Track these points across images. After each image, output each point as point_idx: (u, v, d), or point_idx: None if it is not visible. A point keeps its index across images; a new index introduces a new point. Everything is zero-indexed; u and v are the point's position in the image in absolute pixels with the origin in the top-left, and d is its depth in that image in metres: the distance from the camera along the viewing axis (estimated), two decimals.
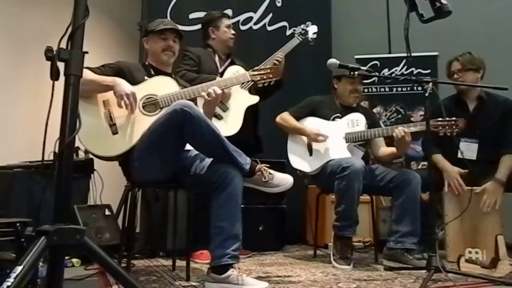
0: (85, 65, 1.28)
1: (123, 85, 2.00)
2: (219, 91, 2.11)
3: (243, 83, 2.40)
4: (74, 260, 2.42)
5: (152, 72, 2.26)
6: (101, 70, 2.10)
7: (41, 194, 1.93)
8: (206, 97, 2.09)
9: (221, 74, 2.86)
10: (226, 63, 2.97)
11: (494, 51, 3.54)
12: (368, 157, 2.91)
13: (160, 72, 2.28)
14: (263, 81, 2.24)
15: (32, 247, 1.10)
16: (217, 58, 2.95)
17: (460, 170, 2.64)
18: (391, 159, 2.75)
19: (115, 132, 1.98)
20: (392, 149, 2.69)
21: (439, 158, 2.72)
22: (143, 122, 1.98)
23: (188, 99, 2.06)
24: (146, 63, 2.34)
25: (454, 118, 2.41)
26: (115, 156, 1.98)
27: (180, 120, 1.79)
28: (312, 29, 3.03)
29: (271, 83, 2.31)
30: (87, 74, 1.97)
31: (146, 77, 2.18)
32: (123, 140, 1.96)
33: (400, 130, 2.50)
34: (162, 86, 2.12)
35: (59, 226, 1.15)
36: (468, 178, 2.62)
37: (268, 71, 2.24)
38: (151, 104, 2.06)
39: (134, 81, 2.11)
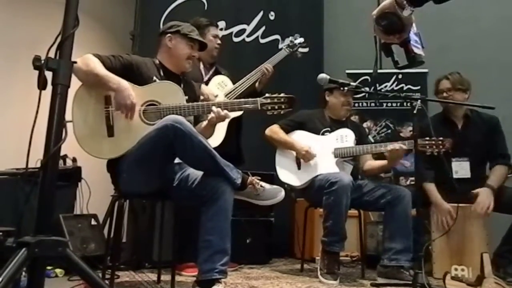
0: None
1: (126, 93, 1.92)
2: (223, 113, 2.01)
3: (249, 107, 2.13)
4: (58, 270, 2.37)
5: (162, 73, 2.17)
6: (110, 60, 2.02)
7: (24, 205, 1.89)
8: (213, 115, 2.00)
9: (206, 83, 2.86)
10: (211, 72, 2.95)
11: (482, 69, 3.60)
12: (357, 172, 2.92)
13: (171, 74, 2.20)
14: (273, 111, 2.05)
15: (12, 259, 1.08)
16: (202, 66, 2.92)
17: (453, 205, 2.61)
18: (379, 172, 2.76)
19: (111, 135, 1.94)
20: (382, 162, 2.71)
21: (431, 189, 2.73)
22: (141, 130, 1.91)
23: (193, 115, 2.03)
24: (157, 61, 2.22)
25: (441, 138, 2.44)
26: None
27: (170, 136, 1.77)
28: (298, 41, 3.07)
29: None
30: (95, 66, 1.94)
31: (155, 79, 2.10)
32: (115, 146, 1.93)
33: (396, 146, 2.52)
34: (167, 94, 2.02)
35: (41, 237, 1.14)
36: (461, 196, 2.60)
37: (282, 100, 2.05)
38: (152, 112, 1.99)
39: (141, 81, 2.04)
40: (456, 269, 2.31)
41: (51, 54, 1.26)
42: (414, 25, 1.27)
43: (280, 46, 4.00)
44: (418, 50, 1.28)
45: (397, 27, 1.22)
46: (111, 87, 1.94)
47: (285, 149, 2.81)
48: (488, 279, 2.11)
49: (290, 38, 3.07)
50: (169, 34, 2.22)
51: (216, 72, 2.95)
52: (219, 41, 2.97)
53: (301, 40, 3.07)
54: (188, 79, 2.35)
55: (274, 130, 2.83)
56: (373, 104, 4.03)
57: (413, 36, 1.28)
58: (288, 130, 2.84)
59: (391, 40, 1.28)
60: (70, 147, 2.23)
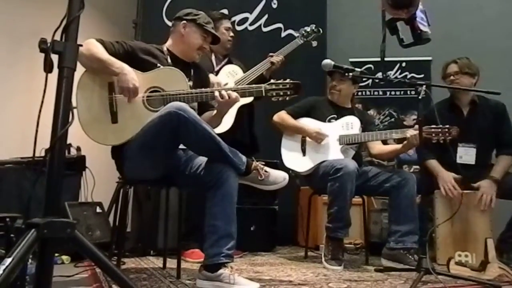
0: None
1: (128, 76, 1.91)
2: (234, 95, 1.97)
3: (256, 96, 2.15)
4: (64, 257, 2.40)
5: (169, 60, 2.15)
6: (113, 46, 2.00)
7: (31, 190, 1.92)
8: (219, 98, 1.95)
9: (217, 73, 2.87)
10: (223, 63, 2.97)
11: (486, 56, 3.58)
12: (361, 158, 2.92)
13: (179, 61, 2.17)
14: (278, 97, 2.01)
15: (21, 239, 1.09)
16: (213, 58, 2.94)
17: (455, 175, 2.66)
18: (390, 156, 2.77)
19: (114, 121, 1.93)
20: (394, 147, 2.76)
21: (433, 164, 2.74)
22: (144, 117, 1.90)
23: (196, 102, 2.02)
24: (165, 48, 2.21)
25: (447, 126, 2.40)
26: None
27: (174, 123, 1.76)
28: (312, 28, 3.11)
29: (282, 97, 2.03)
30: (98, 50, 1.93)
31: (159, 65, 2.08)
32: (119, 132, 1.93)
33: (412, 132, 2.52)
34: (170, 81, 1.99)
35: (50, 219, 1.14)
36: (465, 182, 2.64)
37: (287, 86, 2.00)
38: (155, 99, 1.97)
39: (144, 68, 2.01)
40: (460, 255, 2.33)
41: (57, 38, 1.25)
42: (420, 2, 1.26)
43: (283, 34, 4.01)
44: (424, 28, 1.26)
45: (406, 1, 1.20)
46: (114, 71, 1.92)
47: (295, 134, 2.81)
48: (492, 264, 2.12)
49: (306, 27, 3.09)
50: (184, 21, 2.19)
51: (229, 63, 2.96)
52: (232, 34, 3.00)
53: (314, 26, 3.11)
54: (200, 66, 2.34)
55: (283, 117, 2.84)
56: (376, 93, 4.03)
57: (419, 13, 1.26)
58: (295, 116, 2.84)
59: (399, 15, 1.26)
60: (74, 136, 2.24)
